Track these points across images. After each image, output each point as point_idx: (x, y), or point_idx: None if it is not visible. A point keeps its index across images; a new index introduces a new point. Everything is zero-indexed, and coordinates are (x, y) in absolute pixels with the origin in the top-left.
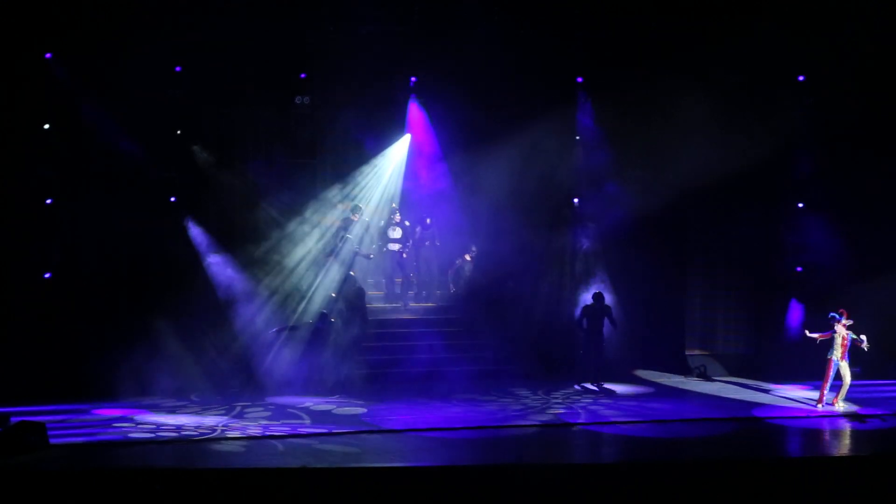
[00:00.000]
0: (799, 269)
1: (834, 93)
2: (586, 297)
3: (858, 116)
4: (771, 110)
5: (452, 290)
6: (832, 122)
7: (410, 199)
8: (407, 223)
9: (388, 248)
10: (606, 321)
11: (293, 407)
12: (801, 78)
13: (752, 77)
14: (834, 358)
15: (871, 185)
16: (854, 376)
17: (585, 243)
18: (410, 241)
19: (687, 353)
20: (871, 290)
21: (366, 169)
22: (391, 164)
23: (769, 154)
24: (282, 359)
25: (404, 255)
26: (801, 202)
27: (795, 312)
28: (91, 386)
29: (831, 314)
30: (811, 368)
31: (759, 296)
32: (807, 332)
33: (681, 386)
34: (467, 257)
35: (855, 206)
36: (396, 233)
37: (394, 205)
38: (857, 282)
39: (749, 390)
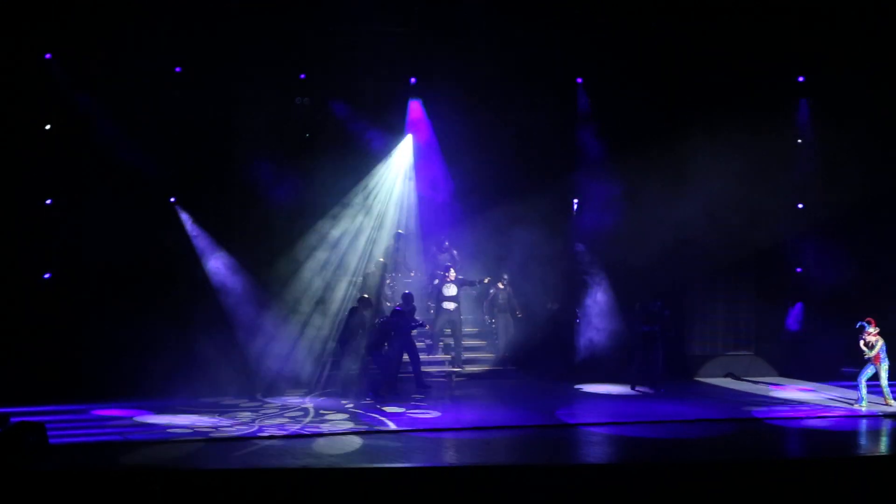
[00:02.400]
0: (798, 269)
1: (835, 94)
2: (589, 299)
3: (860, 116)
4: (772, 112)
5: (490, 321)
6: (834, 122)
7: (429, 207)
8: (460, 276)
9: (442, 307)
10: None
11: (295, 406)
12: (800, 79)
13: (753, 78)
14: (871, 362)
15: (873, 184)
16: (854, 377)
17: (586, 244)
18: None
19: (726, 353)
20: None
21: (372, 173)
22: (396, 167)
23: (770, 155)
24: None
25: (490, 323)
26: (801, 203)
27: (799, 314)
28: (90, 386)
29: (860, 323)
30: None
31: (775, 298)
32: (861, 344)
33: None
34: (500, 285)
35: (856, 207)
36: (451, 290)
37: (448, 263)
38: (862, 283)
39: (783, 390)
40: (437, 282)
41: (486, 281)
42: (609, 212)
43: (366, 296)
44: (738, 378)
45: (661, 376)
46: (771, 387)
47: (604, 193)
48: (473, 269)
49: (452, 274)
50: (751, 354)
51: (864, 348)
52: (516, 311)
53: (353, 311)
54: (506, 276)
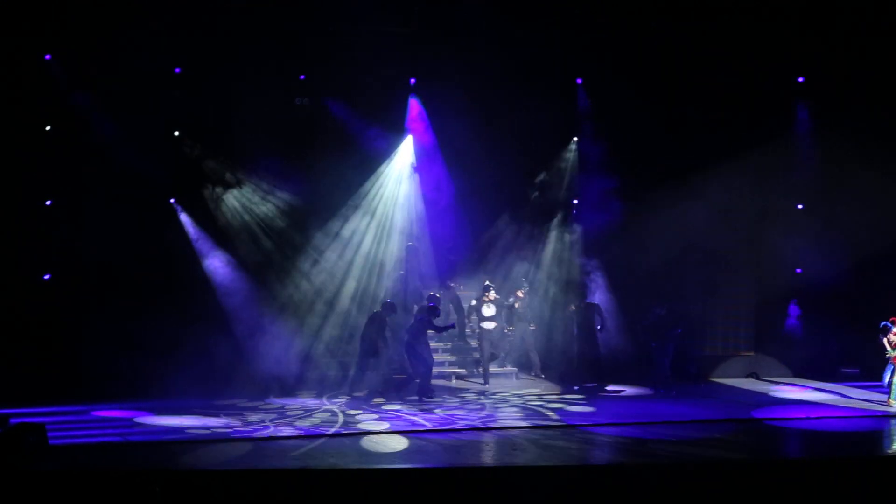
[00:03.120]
0: (798, 270)
1: (835, 94)
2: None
3: (860, 116)
4: (771, 112)
5: (508, 329)
6: (834, 122)
7: (431, 209)
8: (497, 296)
9: (483, 327)
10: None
11: (298, 407)
12: (800, 80)
13: (753, 78)
14: (891, 361)
15: (870, 184)
16: (853, 377)
17: (585, 244)
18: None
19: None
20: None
21: (373, 174)
22: (397, 168)
23: (770, 155)
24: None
25: (507, 331)
26: (800, 204)
27: (799, 314)
28: (90, 387)
29: (883, 323)
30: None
31: (776, 299)
32: (885, 342)
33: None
34: (520, 294)
35: (854, 207)
36: (490, 310)
37: (487, 281)
38: (856, 282)
39: (802, 390)
40: (474, 302)
41: (520, 295)
42: (609, 212)
43: (389, 300)
44: (759, 378)
45: (666, 377)
46: (787, 387)
47: (604, 194)
48: (475, 272)
49: (492, 294)
50: (766, 356)
51: (886, 346)
52: (530, 322)
53: (376, 314)
54: (526, 285)
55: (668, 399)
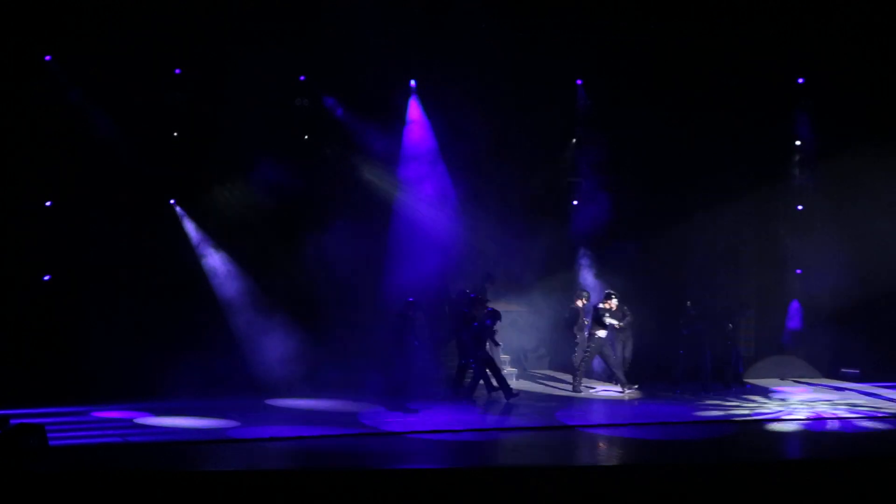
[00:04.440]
0: (798, 271)
1: (834, 95)
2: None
3: (860, 116)
4: (771, 112)
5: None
6: (833, 123)
7: (430, 211)
8: (618, 305)
9: (597, 335)
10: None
11: (297, 409)
12: (800, 80)
13: (753, 79)
14: None
15: (870, 185)
16: (853, 378)
17: (585, 245)
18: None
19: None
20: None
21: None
22: (396, 169)
23: (769, 156)
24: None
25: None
26: (800, 205)
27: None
28: (90, 388)
29: None
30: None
31: (778, 300)
32: None
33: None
34: (581, 303)
35: (854, 208)
36: (608, 318)
37: (608, 290)
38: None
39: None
40: (602, 305)
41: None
42: (608, 212)
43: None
44: (795, 380)
45: (681, 378)
46: (815, 387)
47: (602, 194)
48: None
49: (613, 302)
50: (796, 357)
51: None
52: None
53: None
54: (586, 293)
55: (683, 400)
